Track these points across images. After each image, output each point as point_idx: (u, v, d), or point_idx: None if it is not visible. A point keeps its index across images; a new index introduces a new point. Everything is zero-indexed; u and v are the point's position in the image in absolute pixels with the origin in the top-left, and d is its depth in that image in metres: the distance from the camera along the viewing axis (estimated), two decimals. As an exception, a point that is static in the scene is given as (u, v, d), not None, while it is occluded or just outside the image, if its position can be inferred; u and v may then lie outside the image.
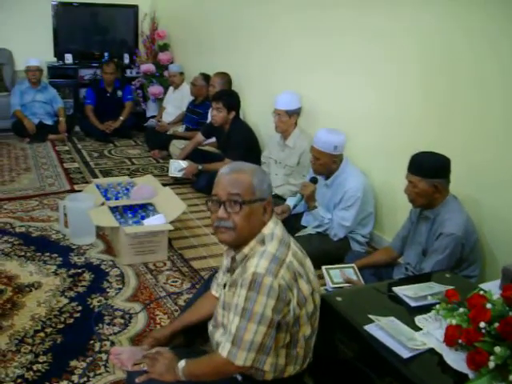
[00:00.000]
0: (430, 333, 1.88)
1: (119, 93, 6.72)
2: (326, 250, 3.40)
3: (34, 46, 6.89)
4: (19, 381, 2.31)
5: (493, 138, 2.93)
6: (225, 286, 1.98)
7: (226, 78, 5.46)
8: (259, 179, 1.89)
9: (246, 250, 1.90)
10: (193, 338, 2.34)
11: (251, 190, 1.86)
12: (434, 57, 3.24)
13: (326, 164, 3.48)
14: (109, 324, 2.78)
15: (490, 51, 2.90)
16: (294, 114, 4.19)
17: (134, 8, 7.36)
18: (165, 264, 3.47)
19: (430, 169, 2.69)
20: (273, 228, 1.91)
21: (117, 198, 3.93)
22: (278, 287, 1.72)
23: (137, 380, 1.91)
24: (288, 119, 4.17)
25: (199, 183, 4.82)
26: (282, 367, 1.88)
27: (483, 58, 2.94)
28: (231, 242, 1.90)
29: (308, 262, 1.95)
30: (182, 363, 1.87)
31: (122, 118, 6.59)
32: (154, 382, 1.91)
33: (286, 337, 1.84)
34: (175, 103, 6.49)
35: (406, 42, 3.44)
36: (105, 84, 6.64)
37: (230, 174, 1.89)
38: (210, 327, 2.08)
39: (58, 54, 7.08)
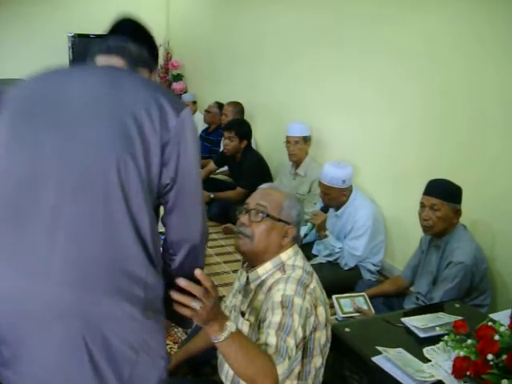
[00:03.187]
0: (439, 364, 1.86)
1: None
2: (336, 279, 3.39)
3: (51, 77, 7.03)
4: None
5: (508, 167, 2.93)
6: (243, 314, 1.95)
7: (238, 107, 5.52)
8: (291, 203, 1.95)
9: (260, 270, 1.90)
10: (198, 367, 2.34)
11: (279, 208, 1.91)
12: (450, 90, 3.27)
13: (336, 198, 3.50)
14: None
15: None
16: (308, 140, 4.29)
17: (149, 39, 7.47)
18: (176, 293, 3.46)
19: (452, 193, 2.71)
20: (292, 257, 1.91)
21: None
22: (305, 309, 1.73)
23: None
24: (304, 145, 4.26)
25: (211, 211, 4.83)
26: (292, 398, 1.85)
27: (504, 89, 2.95)
28: (245, 251, 1.91)
29: (324, 293, 1.95)
30: (232, 326, 1.49)
31: (135, 146, 6.62)
32: None
33: (297, 367, 1.81)
34: (188, 131, 6.53)
35: (420, 70, 3.49)
36: (120, 113, 6.70)
37: (265, 189, 1.99)
38: (221, 356, 2.06)
39: (74, 84, 7.18)
